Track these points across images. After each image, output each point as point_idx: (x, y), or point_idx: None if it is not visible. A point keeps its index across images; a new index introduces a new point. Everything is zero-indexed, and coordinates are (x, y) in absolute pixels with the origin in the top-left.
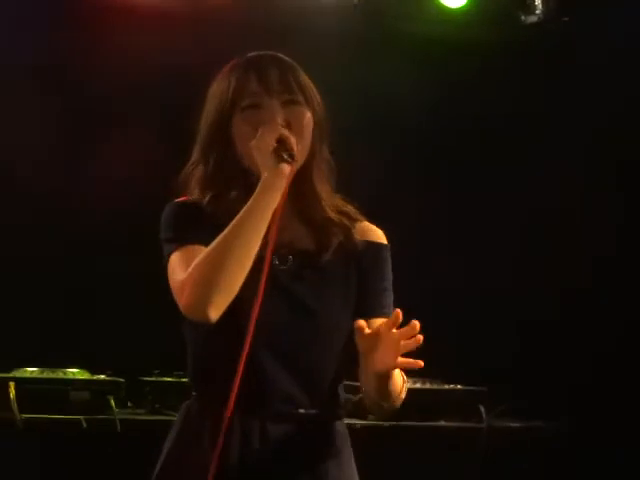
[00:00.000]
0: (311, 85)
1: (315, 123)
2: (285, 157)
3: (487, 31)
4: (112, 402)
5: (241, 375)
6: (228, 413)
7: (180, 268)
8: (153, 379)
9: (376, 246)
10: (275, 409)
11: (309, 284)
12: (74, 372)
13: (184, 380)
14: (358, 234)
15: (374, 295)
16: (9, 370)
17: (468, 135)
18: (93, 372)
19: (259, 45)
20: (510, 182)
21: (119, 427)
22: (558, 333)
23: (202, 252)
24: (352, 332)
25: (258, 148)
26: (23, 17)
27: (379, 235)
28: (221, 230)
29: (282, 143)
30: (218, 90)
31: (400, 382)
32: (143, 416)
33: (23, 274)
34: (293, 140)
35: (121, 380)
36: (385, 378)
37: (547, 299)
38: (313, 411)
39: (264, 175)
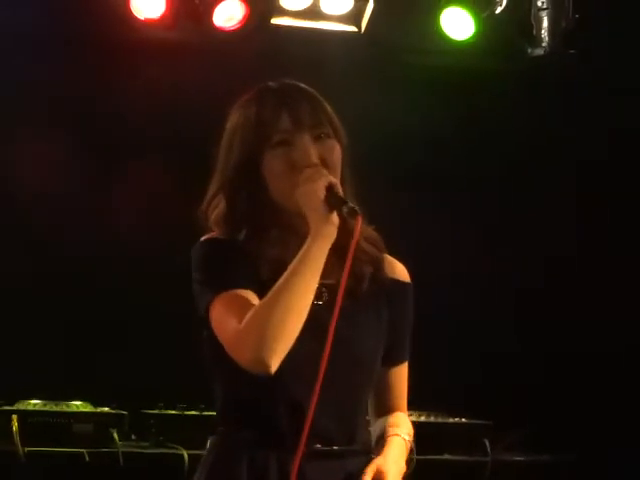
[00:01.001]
0: (334, 113)
1: (342, 153)
2: (345, 211)
3: (493, 63)
4: (115, 435)
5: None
6: (297, 459)
7: (231, 317)
8: (157, 412)
9: (405, 286)
10: (312, 447)
11: (345, 318)
12: (77, 405)
13: (188, 413)
14: (386, 269)
15: (400, 340)
16: (12, 403)
17: (473, 165)
18: (96, 405)
19: (266, 76)
20: (512, 211)
21: (122, 460)
22: (564, 366)
23: (251, 299)
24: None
25: (307, 196)
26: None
27: (405, 273)
28: (261, 274)
29: (331, 191)
30: (244, 123)
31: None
32: (147, 449)
33: (26, 307)
34: (339, 186)
35: (124, 413)
36: None
37: (552, 332)
38: (348, 446)
39: (315, 224)
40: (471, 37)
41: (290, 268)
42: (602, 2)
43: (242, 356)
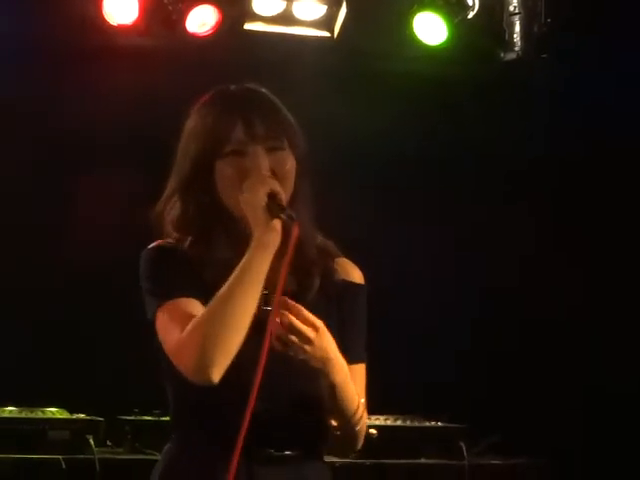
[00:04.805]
0: (293, 123)
1: (297, 163)
2: (283, 217)
3: (466, 68)
4: (91, 441)
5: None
6: (235, 460)
7: (173, 326)
8: (132, 418)
9: (355, 287)
10: (261, 451)
11: None
12: (53, 411)
13: (163, 419)
14: (338, 272)
15: (352, 340)
16: None
17: (446, 172)
18: (72, 411)
19: (239, 81)
20: (481, 216)
21: (98, 467)
22: (540, 369)
23: (193, 307)
24: None
25: (249, 203)
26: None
27: (358, 275)
28: (207, 279)
29: (273, 198)
30: (201, 129)
31: (355, 401)
32: (122, 455)
33: (1, 312)
34: (283, 194)
35: (100, 419)
36: (334, 387)
37: (527, 334)
38: (299, 452)
39: (257, 232)
40: (444, 42)
41: (232, 277)
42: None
43: (184, 367)
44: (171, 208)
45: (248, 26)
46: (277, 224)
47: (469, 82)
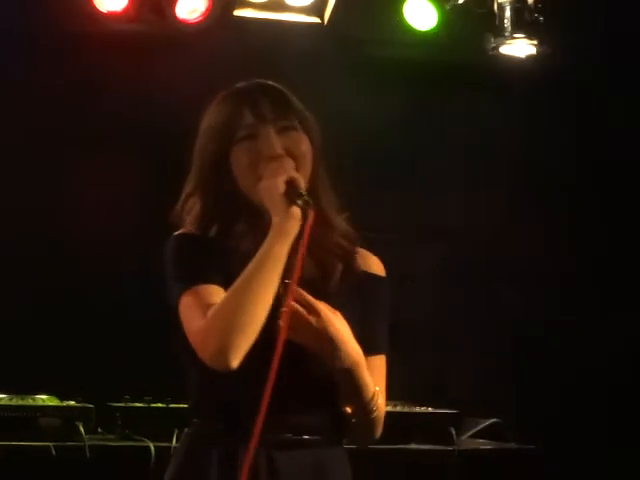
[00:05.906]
0: (303, 109)
1: (313, 146)
2: (300, 204)
3: (457, 54)
4: (81, 428)
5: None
6: (252, 447)
7: (196, 313)
8: (123, 405)
9: (377, 279)
10: (280, 437)
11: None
12: (43, 399)
13: (154, 405)
14: (359, 262)
15: (371, 331)
16: None
17: (439, 157)
18: (62, 398)
19: (229, 68)
20: (474, 206)
21: (88, 453)
22: (530, 356)
23: (217, 295)
24: None
25: (267, 190)
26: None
27: (380, 266)
28: (230, 268)
29: (291, 185)
30: (213, 123)
31: (370, 388)
32: (113, 442)
33: None
34: (302, 181)
35: (91, 406)
36: (345, 372)
37: (520, 320)
38: (317, 436)
39: (276, 219)
40: (434, 28)
41: (251, 264)
42: None
43: (204, 352)
44: (190, 208)
45: (238, 12)
46: (296, 211)
47: (459, 66)
